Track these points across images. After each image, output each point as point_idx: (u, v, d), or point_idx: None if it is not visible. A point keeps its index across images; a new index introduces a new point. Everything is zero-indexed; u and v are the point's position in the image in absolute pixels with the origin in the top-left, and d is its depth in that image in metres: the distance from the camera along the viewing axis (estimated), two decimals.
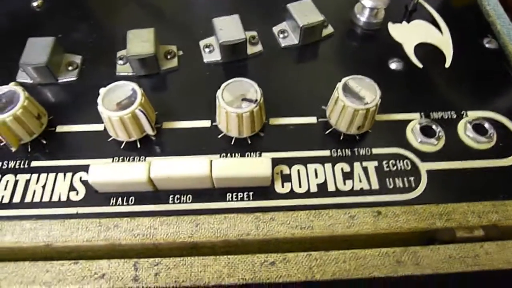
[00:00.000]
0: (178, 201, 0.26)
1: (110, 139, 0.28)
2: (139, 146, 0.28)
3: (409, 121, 0.29)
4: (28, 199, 0.26)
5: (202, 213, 0.25)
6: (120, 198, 0.26)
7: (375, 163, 0.27)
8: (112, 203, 0.26)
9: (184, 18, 0.35)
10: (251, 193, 0.26)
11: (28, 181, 0.26)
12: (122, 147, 0.28)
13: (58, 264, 0.23)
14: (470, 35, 0.33)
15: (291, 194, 0.26)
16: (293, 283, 0.23)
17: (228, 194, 0.26)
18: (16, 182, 0.26)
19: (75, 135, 0.28)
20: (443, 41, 0.33)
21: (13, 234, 0.24)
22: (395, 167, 0.27)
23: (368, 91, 0.26)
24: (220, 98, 0.26)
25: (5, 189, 0.26)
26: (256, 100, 0.26)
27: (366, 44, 0.33)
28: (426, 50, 0.33)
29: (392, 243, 0.24)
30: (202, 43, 0.32)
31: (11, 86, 0.27)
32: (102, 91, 0.26)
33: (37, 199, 0.26)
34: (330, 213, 0.25)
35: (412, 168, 0.27)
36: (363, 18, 0.33)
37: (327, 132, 0.28)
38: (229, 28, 0.30)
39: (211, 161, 0.25)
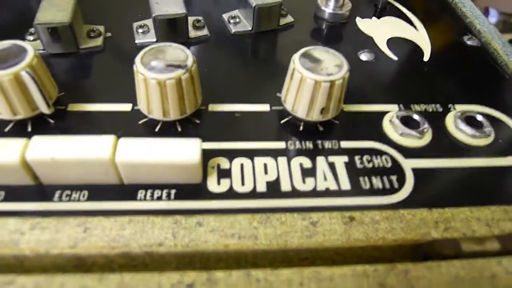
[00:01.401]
0: (68, 198, 0.17)
1: None
2: (30, 129, 0.20)
3: (385, 112, 0.22)
4: None
5: (98, 215, 0.17)
6: None
7: (345, 158, 0.20)
8: None
9: (120, 2, 0.29)
10: (172, 191, 0.18)
11: None
12: (7, 129, 0.20)
13: None
14: (448, 32, 0.28)
15: (230, 194, 0.18)
16: None
17: (140, 192, 0.18)
18: None
19: None
20: (419, 36, 0.27)
21: None
22: (371, 164, 0.19)
23: (333, 62, 0.20)
24: (138, 63, 0.19)
25: None
26: (186, 66, 0.19)
27: (331, 35, 0.27)
28: (400, 44, 0.27)
29: (372, 261, 0.16)
30: (135, 24, 0.25)
31: None
32: None
33: None
34: (282, 218, 0.17)
35: (393, 166, 0.19)
36: (328, 9, 0.27)
37: (283, 121, 0.21)
38: (167, 2, 0.24)
39: (116, 140, 0.17)
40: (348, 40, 0.27)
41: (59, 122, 0.20)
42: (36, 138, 0.17)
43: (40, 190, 0.17)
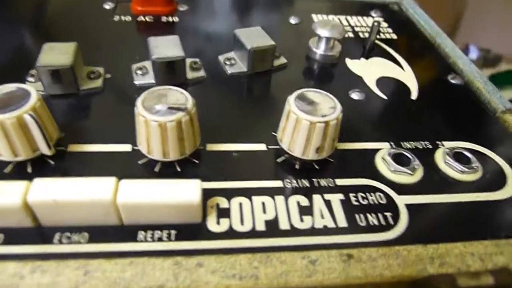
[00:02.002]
0: (67, 240, 0.17)
1: None
2: (30, 170, 0.20)
3: (377, 150, 0.23)
4: None
5: (99, 257, 0.17)
6: None
7: (340, 196, 0.20)
8: None
9: (119, 45, 0.30)
10: (172, 232, 0.18)
11: None
12: (6, 170, 0.20)
13: None
14: (433, 72, 0.30)
15: (229, 234, 0.18)
16: None
17: (140, 233, 0.18)
18: None
19: None
20: (406, 75, 0.28)
21: None
22: (366, 201, 0.20)
23: (326, 103, 0.21)
24: (139, 105, 0.19)
25: None
26: (186, 109, 0.19)
27: (323, 75, 0.29)
28: (388, 83, 0.28)
29: None
30: (134, 66, 0.26)
31: None
32: None
33: None
34: (282, 257, 0.17)
35: (387, 202, 0.20)
36: (319, 51, 0.29)
37: (280, 160, 0.22)
38: (166, 46, 0.25)
39: (117, 182, 0.18)
40: (339, 80, 0.28)
41: (59, 163, 0.20)
42: (37, 181, 0.17)
43: (40, 232, 0.17)
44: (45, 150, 0.20)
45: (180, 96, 0.20)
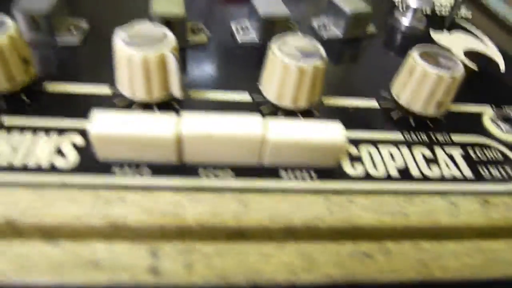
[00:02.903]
0: (213, 175, 0.18)
1: (117, 99, 0.20)
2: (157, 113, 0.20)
3: (480, 112, 0.24)
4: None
5: (250, 192, 0.17)
6: (128, 168, 0.17)
7: (459, 150, 0.21)
8: (117, 173, 0.17)
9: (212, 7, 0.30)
10: (313, 173, 0.18)
11: None
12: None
13: (24, 245, 0.14)
14: None
15: (367, 177, 0.19)
16: (400, 284, 0.15)
17: (282, 172, 0.18)
18: None
19: (69, 96, 0.20)
20: (490, 50, 0.30)
21: None
22: (484, 156, 0.21)
23: (447, 58, 0.21)
24: (276, 49, 0.20)
25: None
26: (321, 56, 0.20)
27: (413, 45, 0.30)
28: (475, 55, 0.29)
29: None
30: (234, 24, 0.26)
31: None
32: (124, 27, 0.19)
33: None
34: (424, 199, 0.18)
35: (505, 159, 0.21)
36: (405, 22, 0.30)
37: (395, 115, 0.22)
38: (269, 5, 0.25)
39: (266, 120, 0.18)
40: None
41: (183, 106, 0.21)
42: (186, 115, 0.17)
43: (184, 168, 0.18)
44: (176, 91, 0.20)
45: (311, 44, 0.21)
